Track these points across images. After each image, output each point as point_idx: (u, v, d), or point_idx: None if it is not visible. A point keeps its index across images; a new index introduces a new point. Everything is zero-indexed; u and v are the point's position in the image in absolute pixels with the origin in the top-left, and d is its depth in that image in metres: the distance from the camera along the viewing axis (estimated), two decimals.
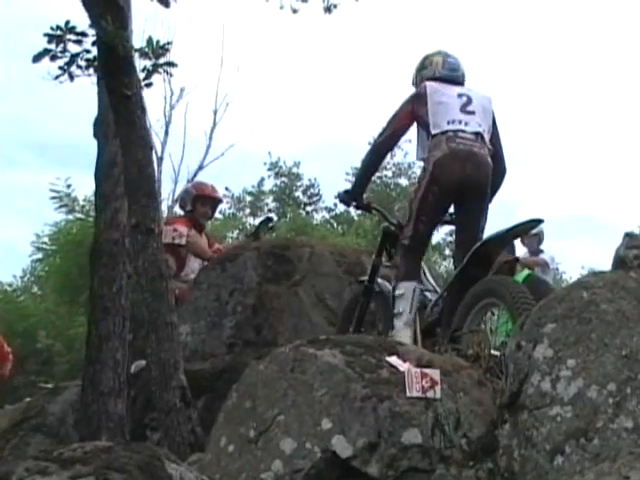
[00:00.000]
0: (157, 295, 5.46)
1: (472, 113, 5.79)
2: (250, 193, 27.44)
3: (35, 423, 6.93)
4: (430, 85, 5.84)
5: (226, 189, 25.95)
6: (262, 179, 27.54)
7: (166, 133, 20.54)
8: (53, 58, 5.54)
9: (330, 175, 38.30)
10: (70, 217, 15.90)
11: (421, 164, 5.91)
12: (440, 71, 5.99)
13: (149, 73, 5.67)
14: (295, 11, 6.98)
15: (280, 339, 6.55)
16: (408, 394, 3.94)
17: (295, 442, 3.91)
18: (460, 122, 5.72)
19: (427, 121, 5.75)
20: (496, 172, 5.82)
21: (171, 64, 5.72)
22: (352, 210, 22.34)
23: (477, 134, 5.75)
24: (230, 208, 26.67)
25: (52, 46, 5.50)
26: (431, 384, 3.99)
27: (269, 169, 27.58)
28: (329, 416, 3.89)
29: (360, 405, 3.88)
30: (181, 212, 9.07)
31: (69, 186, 15.69)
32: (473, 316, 5.30)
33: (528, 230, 6.60)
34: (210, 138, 21.26)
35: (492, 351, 4.76)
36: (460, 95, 5.84)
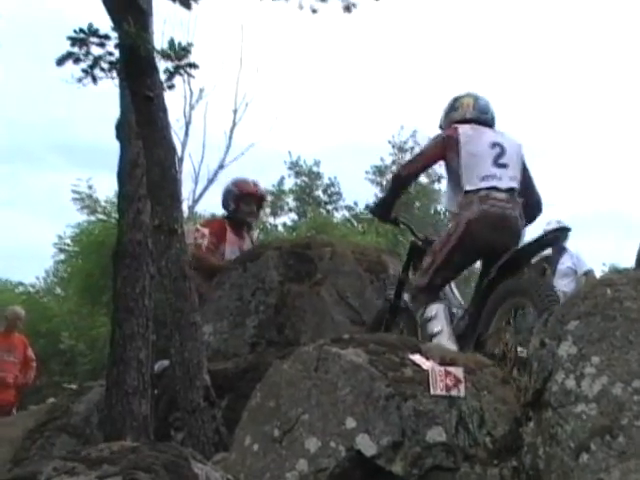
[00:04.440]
0: (180, 295, 5.48)
1: (505, 166, 5.71)
2: (270, 192, 27.45)
3: (60, 423, 6.97)
4: (463, 132, 5.75)
5: None
6: (282, 178, 27.56)
7: (186, 133, 20.68)
8: (76, 61, 5.59)
9: (350, 174, 38.29)
10: (92, 218, 16.01)
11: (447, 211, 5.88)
12: (471, 112, 5.92)
13: (171, 75, 5.70)
14: (314, 11, 6.92)
15: (302, 338, 6.55)
16: (432, 392, 3.94)
17: (319, 441, 3.91)
18: (494, 177, 5.65)
19: (459, 173, 5.68)
20: (531, 204, 5.82)
21: (193, 65, 5.75)
22: None
23: (510, 191, 5.67)
24: None
25: (75, 49, 5.55)
26: (455, 382, 3.99)
27: (289, 168, 27.61)
28: (353, 415, 3.90)
29: (384, 404, 3.89)
30: (208, 213, 9.01)
31: (90, 187, 15.80)
32: (499, 316, 5.28)
33: (556, 240, 6.58)
34: (230, 138, 21.39)
35: (519, 349, 4.74)
36: (493, 145, 5.75)
